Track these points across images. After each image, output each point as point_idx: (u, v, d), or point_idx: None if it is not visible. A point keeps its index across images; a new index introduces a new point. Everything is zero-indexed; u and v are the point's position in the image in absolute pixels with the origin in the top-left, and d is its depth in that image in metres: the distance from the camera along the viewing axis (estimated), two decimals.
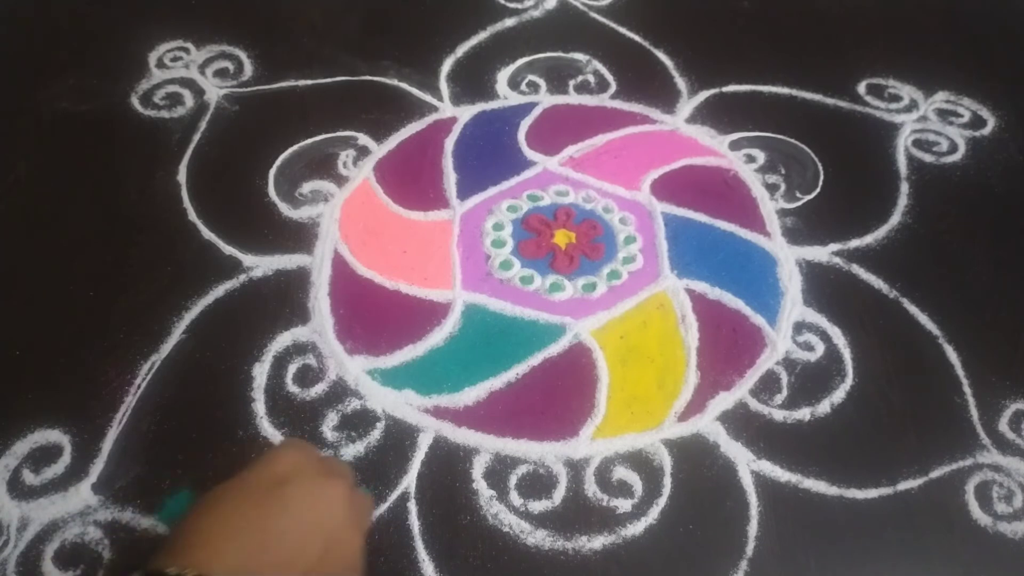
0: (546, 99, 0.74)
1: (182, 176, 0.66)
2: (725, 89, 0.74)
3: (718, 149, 0.70)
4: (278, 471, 0.40)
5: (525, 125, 0.71)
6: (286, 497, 0.38)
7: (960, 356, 0.57)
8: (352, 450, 0.52)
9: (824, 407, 0.55)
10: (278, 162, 0.67)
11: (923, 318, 0.59)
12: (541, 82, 0.75)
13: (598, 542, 0.49)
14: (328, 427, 0.53)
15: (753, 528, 0.49)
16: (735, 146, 0.70)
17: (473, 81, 0.74)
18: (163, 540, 0.37)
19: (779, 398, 0.55)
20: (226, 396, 0.54)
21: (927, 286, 0.61)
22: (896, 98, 0.75)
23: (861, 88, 0.75)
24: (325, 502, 0.39)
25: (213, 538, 0.36)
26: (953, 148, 0.71)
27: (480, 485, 0.51)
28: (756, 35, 0.80)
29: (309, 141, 0.69)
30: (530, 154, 0.69)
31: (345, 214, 0.64)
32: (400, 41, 0.78)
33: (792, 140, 0.71)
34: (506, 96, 0.74)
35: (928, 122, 0.73)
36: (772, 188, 0.67)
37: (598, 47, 0.78)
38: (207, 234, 0.62)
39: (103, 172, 0.67)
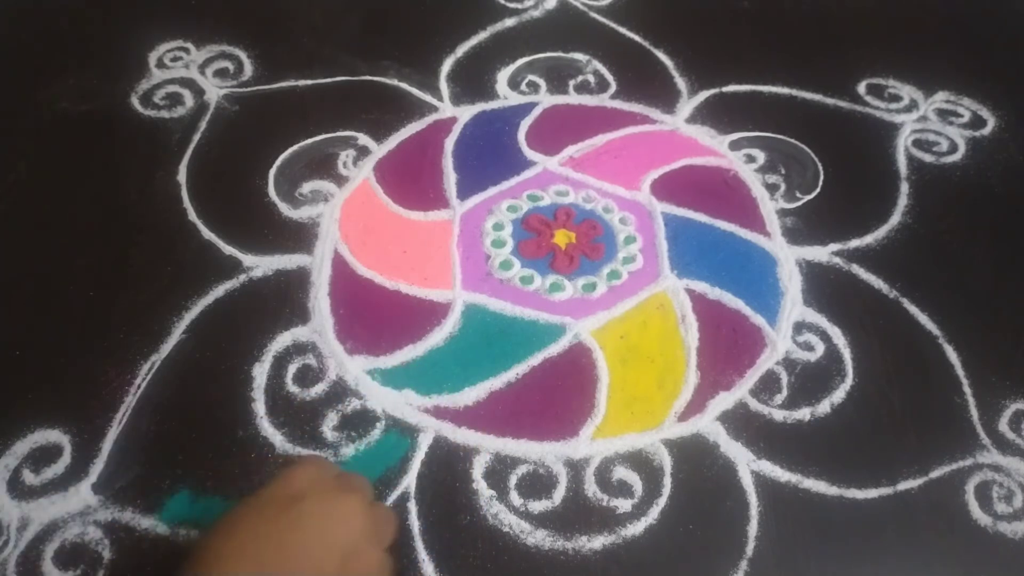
0: (546, 99, 0.74)
1: (182, 176, 0.66)
2: (725, 89, 0.74)
3: (718, 149, 0.70)
4: (294, 488, 0.41)
5: (525, 125, 0.71)
6: (302, 513, 0.39)
7: (960, 356, 0.57)
8: (351, 449, 0.52)
9: (824, 407, 0.55)
10: (278, 162, 0.67)
11: (923, 318, 0.59)
12: (541, 82, 0.75)
13: (598, 542, 0.49)
14: (328, 427, 0.53)
15: (753, 528, 0.49)
16: (735, 146, 0.70)
17: (473, 81, 0.74)
18: (182, 559, 0.38)
19: (779, 398, 0.55)
20: (226, 396, 0.54)
21: (927, 286, 0.61)
22: (896, 98, 0.75)
23: (861, 88, 0.75)
24: (341, 516, 0.40)
25: (230, 555, 0.37)
26: (953, 148, 0.71)
27: (480, 485, 0.51)
28: (756, 35, 0.80)
29: (309, 141, 0.69)
30: (530, 154, 0.69)
31: (345, 214, 0.64)
32: (400, 41, 0.78)
33: (792, 140, 0.71)
34: (506, 96, 0.74)
35: (928, 122, 0.73)
36: (772, 188, 0.67)
37: (598, 47, 0.78)
38: (207, 234, 0.62)
39: (103, 172, 0.67)
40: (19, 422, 0.52)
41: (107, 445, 0.51)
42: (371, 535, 0.41)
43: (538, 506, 0.50)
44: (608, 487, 0.51)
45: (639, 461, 0.52)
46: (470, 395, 0.54)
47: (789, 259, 0.62)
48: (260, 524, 0.39)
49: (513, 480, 0.51)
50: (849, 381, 0.56)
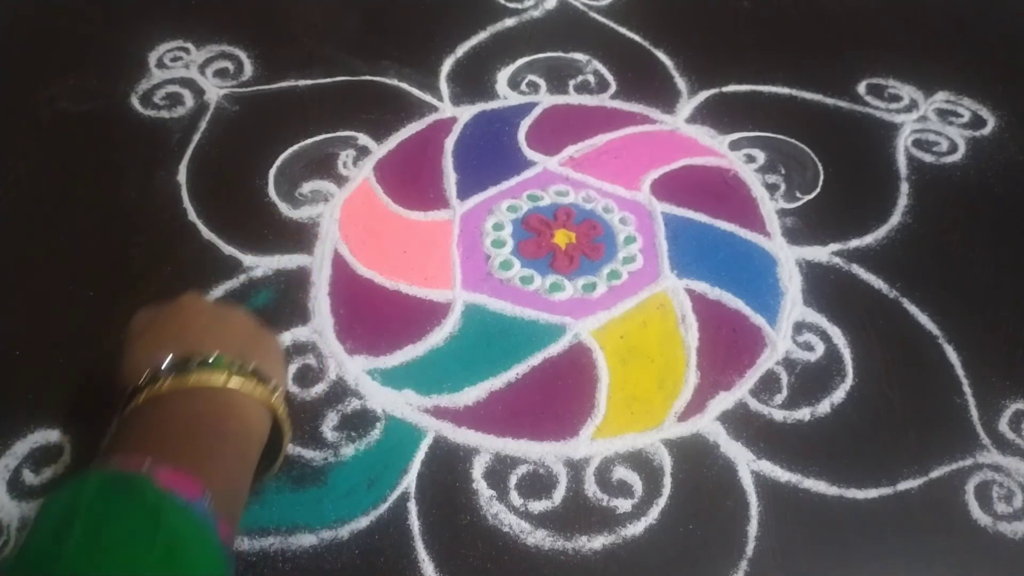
0: (546, 99, 0.74)
1: (182, 176, 0.66)
2: (725, 89, 0.74)
3: (718, 149, 0.70)
4: (171, 306, 0.49)
5: (525, 125, 0.71)
6: (198, 312, 0.48)
7: (960, 356, 0.57)
8: (351, 449, 0.52)
9: (824, 407, 0.55)
10: (278, 162, 0.67)
11: (923, 318, 0.59)
12: (541, 82, 0.75)
13: (598, 542, 0.49)
14: (328, 427, 0.53)
15: (753, 528, 0.49)
16: (735, 146, 0.70)
17: (473, 81, 0.75)
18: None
19: (779, 398, 0.55)
20: None
21: (927, 286, 0.61)
22: (896, 98, 0.75)
23: (861, 88, 0.75)
24: (229, 313, 0.49)
25: (147, 347, 0.45)
26: (953, 148, 0.71)
27: (480, 485, 0.51)
28: (756, 35, 0.80)
29: (309, 141, 0.69)
30: (530, 154, 0.69)
31: (345, 214, 0.64)
32: (400, 41, 0.78)
33: (792, 140, 0.71)
34: (506, 96, 0.74)
35: (928, 122, 0.73)
36: (772, 188, 0.67)
37: (598, 47, 0.78)
38: (207, 234, 0.62)
39: (103, 172, 0.67)
40: (19, 422, 0.52)
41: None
42: (264, 329, 0.50)
43: (538, 506, 0.50)
44: (608, 487, 0.51)
45: (639, 461, 0.52)
46: (470, 395, 0.54)
47: (789, 259, 0.62)
48: (157, 327, 0.47)
49: (513, 480, 0.51)
50: (849, 381, 0.56)
